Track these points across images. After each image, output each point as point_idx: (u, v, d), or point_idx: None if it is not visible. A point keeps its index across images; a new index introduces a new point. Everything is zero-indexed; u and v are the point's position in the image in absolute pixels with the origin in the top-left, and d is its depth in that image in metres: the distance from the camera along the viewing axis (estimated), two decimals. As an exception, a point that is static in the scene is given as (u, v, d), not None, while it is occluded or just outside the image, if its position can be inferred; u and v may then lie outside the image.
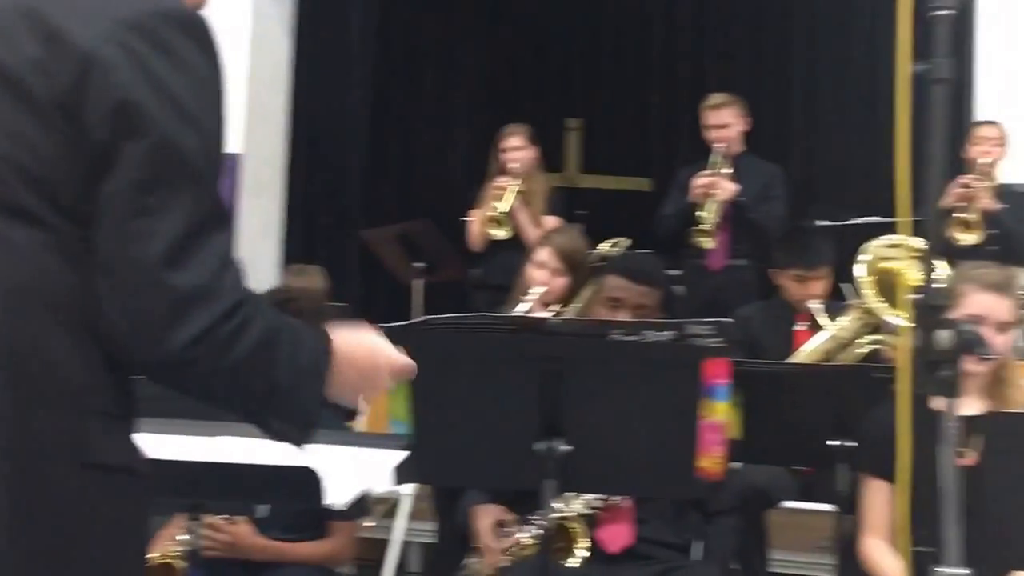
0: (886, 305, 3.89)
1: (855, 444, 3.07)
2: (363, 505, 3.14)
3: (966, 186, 5.51)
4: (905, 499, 1.66)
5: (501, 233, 5.73)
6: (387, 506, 4.84)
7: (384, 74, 9.01)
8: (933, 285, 1.74)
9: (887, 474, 2.46)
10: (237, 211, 6.68)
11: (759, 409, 3.30)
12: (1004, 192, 5.60)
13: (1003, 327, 2.84)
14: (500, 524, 2.98)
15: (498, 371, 2.46)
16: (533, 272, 4.13)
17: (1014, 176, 6.06)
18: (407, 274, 6.23)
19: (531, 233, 5.58)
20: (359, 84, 8.42)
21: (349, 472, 1.95)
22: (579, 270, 4.09)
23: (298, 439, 1.51)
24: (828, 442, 3.14)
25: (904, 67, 1.66)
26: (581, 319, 3.67)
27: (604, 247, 5.40)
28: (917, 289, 1.67)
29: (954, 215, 5.46)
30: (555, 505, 2.94)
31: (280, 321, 1.48)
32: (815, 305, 4.33)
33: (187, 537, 2.51)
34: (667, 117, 9.70)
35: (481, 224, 5.79)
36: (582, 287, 3.95)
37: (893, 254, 3.88)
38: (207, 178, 1.43)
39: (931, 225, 1.69)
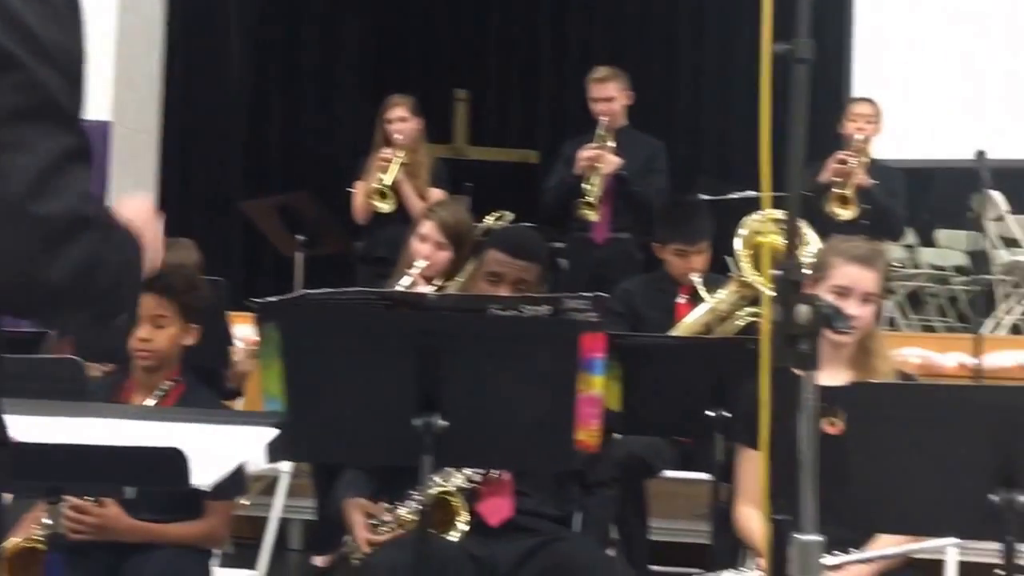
0: (762, 278, 3.97)
1: (731, 415, 3.14)
2: (239, 483, 3.10)
3: (843, 162, 5.63)
4: (765, 468, 1.69)
5: (385, 206, 5.69)
6: (264, 484, 4.80)
7: (265, 39, 8.84)
8: (797, 259, 1.77)
9: (759, 444, 2.51)
10: (108, 182, 6.46)
11: (639, 381, 3.35)
12: (877, 168, 5.73)
13: (869, 298, 2.91)
14: (371, 516, 2.97)
15: (374, 346, 2.45)
16: (417, 246, 4.11)
17: (888, 152, 6.24)
18: (289, 247, 6.15)
19: (416, 206, 5.56)
20: (239, 49, 8.19)
21: (219, 451, 1.92)
22: (463, 244, 4.08)
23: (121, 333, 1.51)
24: (706, 413, 3.19)
25: (767, 46, 1.69)
26: (458, 294, 3.67)
27: (489, 220, 5.41)
28: (777, 263, 1.70)
29: (832, 190, 5.58)
30: (434, 480, 2.96)
31: (119, 236, 1.47)
32: (696, 278, 4.38)
33: (50, 521, 2.44)
34: (555, 90, 9.73)
35: (365, 196, 5.74)
36: (466, 261, 3.94)
37: (769, 228, 3.96)
38: (69, 112, 1.40)
39: (792, 200, 1.72)
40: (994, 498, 2.18)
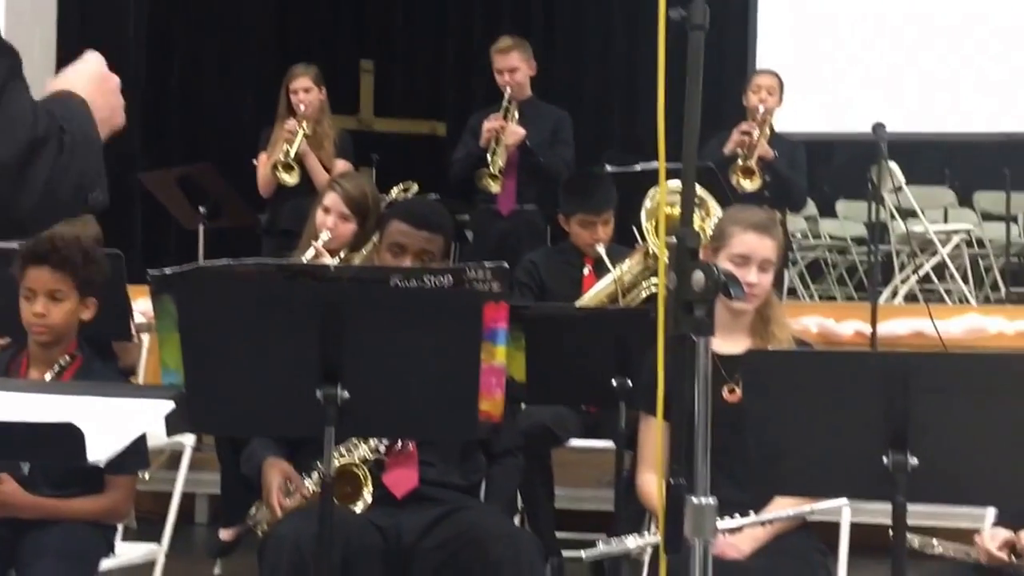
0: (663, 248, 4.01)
1: (634, 384, 3.17)
2: (141, 458, 3.07)
3: (745, 133, 5.70)
4: (662, 433, 1.72)
5: (290, 178, 5.63)
6: (168, 458, 4.75)
7: (164, 7, 8.65)
8: (693, 227, 1.80)
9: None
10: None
11: (544, 351, 3.37)
12: (778, 140, 5.82)
13: (766, 265, 2.97)
14: (288, 480, 2.95)
15: (275, 318, 2.43)
16: (321, 218, 4.09)
17: (790, 125, 6.33)
18: (192, 220, 6.06)
19: (320, 178, 5.51)
20: (135, 17, 7.99)
21: (116, 425, 1.89)
22: (368, 216, 4.06)
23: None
24: (610, 382, 3.23)
25: (663, 13, 1.70)
26: (360, 264, 3.66)
27: (395, 192, 5.39)
28: (673, 231, 1.73)
29: (736, 162, 5.66)
30: (339, 451, 2.96)
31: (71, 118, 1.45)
32: (600, 249, 4.41)
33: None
34: (462, 61, 9.69)
35: (269, 169, 5.67)
36: (371, 233, 3.92)
37: (675, 200, 3.99)
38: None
39: (687, 168, 1.74)
40: (885, 460, 2.23)
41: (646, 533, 3.01)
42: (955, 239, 7.50)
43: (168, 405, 1.90)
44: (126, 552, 3.27)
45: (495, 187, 5.54)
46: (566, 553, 4.10)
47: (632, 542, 2.76)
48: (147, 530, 3.60)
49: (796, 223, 8.23)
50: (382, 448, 3.01)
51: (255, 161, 5.82)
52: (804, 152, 5.95)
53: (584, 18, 9.67)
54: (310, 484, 2.97)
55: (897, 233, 7.31)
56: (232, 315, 2.39)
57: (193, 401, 2.35)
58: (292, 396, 2.42)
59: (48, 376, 3.06)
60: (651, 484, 2.97)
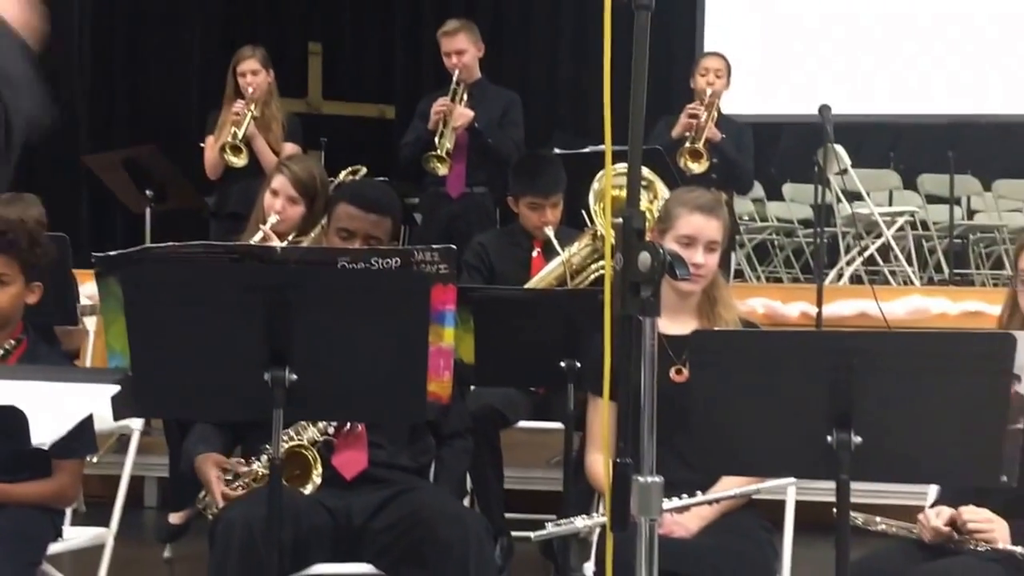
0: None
1: (582, 365, 3.19)
2: (88, 441, 3.04)
3: (693, 115, 5.73)
4: (607, 413, 1.73)
5: (238, 161, 5.59)
6: (113, 441, 4.72)
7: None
8: (639, 208, 1.81)
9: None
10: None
11: (493, 334, 3.38)
12: (726, 122, 5.85)
13: (712, 246, 2.99)
14: (224, 470, 2.95)
15: (222, 300, 2.41)
16: (269, 200, 4.07)
17: (737, 107, 6.37)
18: (138, 203, 6.01)
19: (269, 160, 5.47)
20: (80, -2, 7.87)
21: (60, 409, 1.88)
22: (316, 199, 4.05)
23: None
24: (559, 363, 3.24)
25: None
26: (308, 247, 3.64)
27: (343, 175, 5.36)
28: (620, 213, 1.74)
29: (684, 145, 5.68)
30: (288, 433, 2.95)
31: None
32: (549, 232, 4.43)
33: None
34: (411, 43, 9.66)
35: (217, 151, 5.63)
36: (320, 216, 3.91)
37: (620, 181, 4.01)
38: None
39: (633, 148, 1.75)
40: (830, 439, 2.26)
41: (595, 513, 3.03)
42: (900, 221, 7.59)
43: (113, 389, 1.90)
44: (74, 536, 3.24)
45: (442, 169, 5.54)
46: (515, 534, 4.13)
47: (581, 522, 2.77)
48: (96, 514, 3.58)
49: (743, 205, 8.29)
50: (331, 430, 3.01)
51: (202, 144, 5.77)
52: (751, 134, 5.98)
53: (532, 0, 9.68)
54: (259, 467, 2.97)
55: (843, 215, 7.39)
56: (178, 297, 2.37)
57: (139, 384, 2.34)
58: (240, 379, 2.41)
59: (-8, 360, 3.03)
60: (599, 464, 2.99)
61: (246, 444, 3.07)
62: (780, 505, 3.15)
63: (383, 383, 2.48)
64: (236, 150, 5.58)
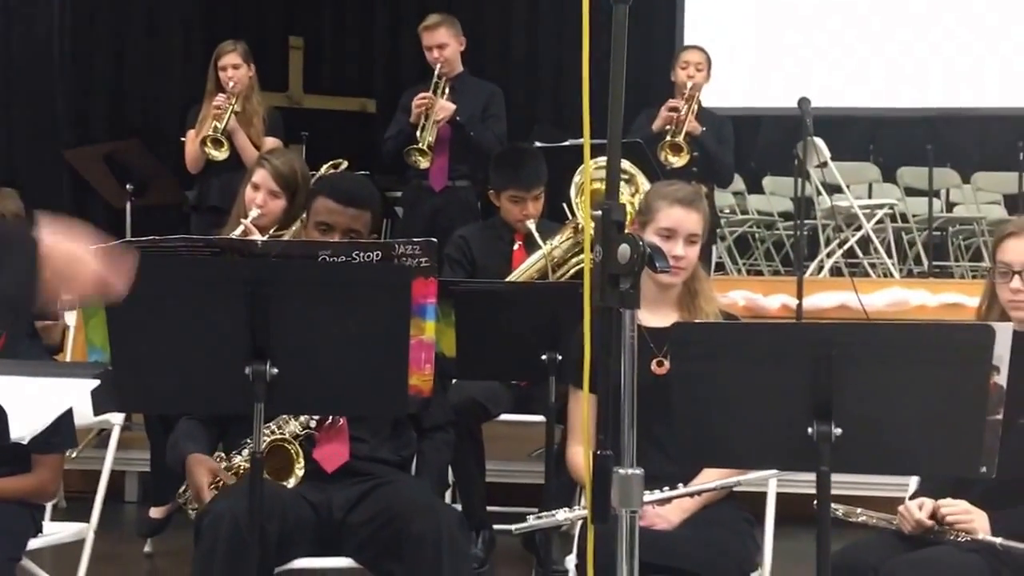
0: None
1: (563, 358, 3.19)
2: (68, 436, 3.03)
3: (673, 109, 5.74)
4: (587, 404, 1.74)
5: (219, 154, 5.57)
6: (93, 435, 4.71)
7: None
8: (618, 200, 1.81)
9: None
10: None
11: (474, 327, 3.38)
12: (706, 115, 5.86)
13: (692, 239, 3.00)
14: (215, 477, 2.94)
15: (202, 294, 2.41)
16: (250, 194, 4.05)
17: (717, 100, 6.38)
18: (119, 197, 5.98)
19: (250, 154, 5.45)
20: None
21: (39, 404, 1.87)
22: (297, 192, 4.03)
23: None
24: (541, 357, 3.24)
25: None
26: (288, 240, 3.63)
27: (325, 168, 5.34)
28: (599, 205, 1.74)
29: (665, 138, 5.69)
30: (269, 427, 2.95)
31: None
32: (531, 225, 4.43)
33: None
34: (391, 37, 9.64)
35: (198, 144, 5.61)
36: (301, 210, 3.89)
37: (601, 175, 4.01)
38: None
39: (611, 143, 1.75)
40: (810, 430, 2.27)
41: (576, 506, 3.04)
42: (879, 214, 7.63)
43: (93, 383, 1.89)
44: (55, 531, 3.23)
45: (424, 163, 5.53)
46: (497, 527, 4.13)
47: (562, 515, 2.78)
48: (76, 509, 3.57)
49: (724, 198, 8.31)
50: (313, 423, 3.01)
51: (183, 138, 5.75)
52: (731, 127, 6.00)
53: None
54: (241, 461, 2.96)
55: (823, 208, 7.41)
56: (159, 291, 2.36)
57: (120, 379, 2.33)
58: (220, 373, 2.41)
59: (-30, 355, 3.01)
60: (580, 456, 2.98)
61: (228, 438, 3.06)
62: (761, 497, 3.16)
63: (364, 377, 2.49)
64: (217, 144, 5.56)
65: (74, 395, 1.81)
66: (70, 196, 7.98)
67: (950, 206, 8.64)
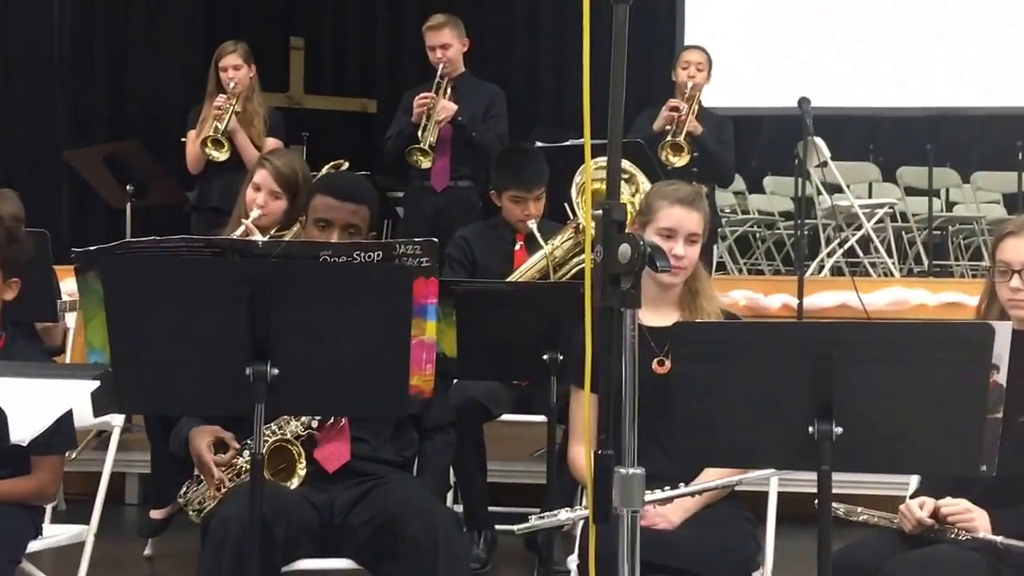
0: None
1: (564, 358, 3.20)
2: (67, 438, 3.03)
3: (674, 109, 5.74)
4: (588, 404, 1.74)
5: (219, 155, 5.57)
6: (92, 436, 4.70)
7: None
8: (619, 199, 1.81)
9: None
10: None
11: (476, 327, 3.38)
12: (707, 115, 5.87)
13: (693, 238, 3.00)
14: (219, 442, 2.94)
15: (203, 294, 2.40)
16: (251, 195, 4.05)
17: (718, 100, 6.39)
18: (119, 198, 5.99)
19: (250, 155, 5.45)
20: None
21: (38, 406, 1.87)
22: (298, 193, 4.03)
23: None
24: (542, 357, 3.24)
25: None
26: (289, 241, 3.63)
27: (326, 169, 5.34)
28: (600, 205, 1.74)
29: (666, 139, 5.69)
30: (270, 428, 2.95)
31: None
32: (532, 225, 4.43)
33: None
34: (392, 38, 9.65)
35: (199, 145, 5.61)
36: (302, 211, 3.89)
37: (602, 175, 4.00)
38: None
39: (611, 142, 1.75)
40: (811, 430, 2.27)
41: (578, 506, 3.04)
42: (879, 213, 7.63)
43: (93, 385, 1.89)
44: (55, 534, 3.23)
45: (425, 163, 5.53)
46: (499, 527, 4.13)
47: (564, 515, 2.78)
48: (76, 511, 3.56)
49: (725, 198, 8.32)
50: (315, 424, 3.01)
51: (184, 139, 5.75)
52: (732, 127, 6.00)
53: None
54: (243, 462, 2.96)
55: (823, 208, 7.42)
56: (159, 292, 2.36)
57: (119, 380, 2.33)
58: (221, 374, 2.40)
59: (-29, 357, 3.00)
60: (581, 456, 2.99)
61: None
62: (762, 496, 3.16)
63: (365, 377, 2.48)
64: (218, 144, 5.56)
65: (74, 396, 1.80)
66: (70, 197, 7.99)
67: (950, 205, 8.64)
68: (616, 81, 1.74)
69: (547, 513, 2.81)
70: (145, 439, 4.43)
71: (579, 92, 1.79)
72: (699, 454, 2.49)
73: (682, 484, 2.80)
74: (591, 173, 3.36)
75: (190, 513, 3.07)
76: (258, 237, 3.84)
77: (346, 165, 4.83)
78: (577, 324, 2.93)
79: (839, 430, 2.26)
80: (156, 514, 4.29)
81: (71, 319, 4.58)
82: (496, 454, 4.35)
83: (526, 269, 4.37)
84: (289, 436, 2.99)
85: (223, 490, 2.96)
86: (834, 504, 2.47)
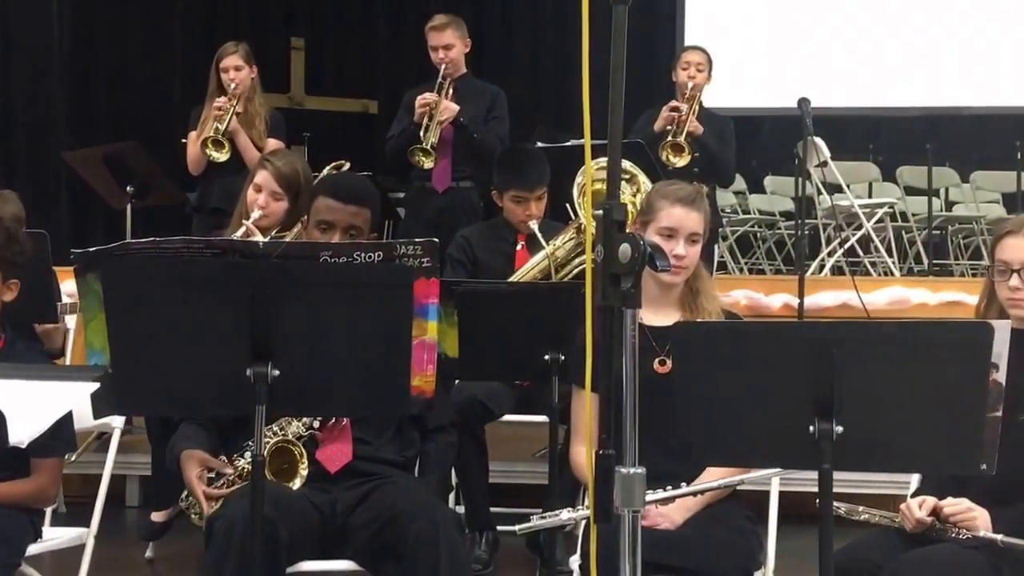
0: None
1: (566, 358, 3.20)
2: (67, 440, 3.02)
3: (675, 110, 5.75)
4: (589, 403, 1.73)
5: (220, 156, 5.57)
6: (92, 438, 4.70)
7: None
8: (619, 199, 1.81)
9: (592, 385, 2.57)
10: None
11: (477, 327, 3.38)
12: (707, 115, 5.87)
13: (693, 238, 3.00)
14: (208, 469, 2.93)
15: (203, 295, 2.40)
16: (252, 196, 4.06)
17: (719, 100, 6.39)
18: (119, 199, 5.99)
19: (251, 156, 5.46)
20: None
21: (37, 408, 1.87)
22: (300, 193, 4.03)
23: None
24: (543, 357, 3.24)
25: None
26: (290, 241, 3.64)
27: (327, 170, 5.34)
28: (600, 205, 1.74)
29: (666, 139, 5.70)
30: (272, 429, 2.95)
31: None
32: (533, 225, 4.43)
33: None
34: (393, 38, 9.65)
35: (200, 146, 5.61)
36: (304, 211, 3.89)
37: (603, 175, 4.00)
38: None
39: (611, 142, 1.75)
40: (812, 429, 2.27)
41: (580, 506, 3.04)
42: (879, 213, 7.63)
43: (92, 386, 1.88)
44: (55, 536, 3.22)
45: (427, 163, 5.54)
46: (501, 527, 4.13)
47: (566, 515, 2.78)
48: (76, 513, 3.56)
49: (726, 198, 8.32)
50: (316, 424, 3.01)
51: (185, 140, 5.75)
52: (732, 127, 6.00)
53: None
54: (244, 463, 2.96)
55: (823, 207, 7.42)
56: (159, 293, 2.36)
57: (119, 382, 2.33)
58: (222, 375, 2.40)
59: (-31, 359, 3.00)
60: (583, 456, 2.99)
61: (230, 440, 3.05)
62: (764, 495, 3.16)
63: (366, 378, 2.48)
64: (218, 145, 5.56)
65: (73, 398, 1.80)
66: (70, 198, 7.99)
67: (949, 205, 8.65)
68: (616, 81, 1.74)
69: (549, 513, 2.82)
70: (146, 441, 4.42)
71: (580, 92, 1.79)
72: (700, 454, 2.49)
73: (683, 484, 2.81)
74: (592, 173, 3.36)
75: (192, 516, 3.07)
76: (259, 238, 3.84)
77: (347, 165, 4.83)
78: (579, 324, 2.93)
79: (840, 429, 2.26)
80: (157, 517, 4.29)
81: (71, 321, 4.58)
82: (498, 454, 4.35)
83: (528, 269, 4.36)
84: (291, 437, 2.99)
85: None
86: (835, 503, 2.47)
